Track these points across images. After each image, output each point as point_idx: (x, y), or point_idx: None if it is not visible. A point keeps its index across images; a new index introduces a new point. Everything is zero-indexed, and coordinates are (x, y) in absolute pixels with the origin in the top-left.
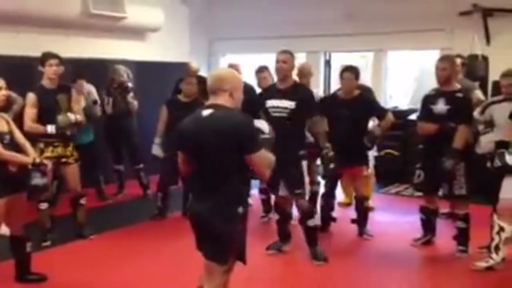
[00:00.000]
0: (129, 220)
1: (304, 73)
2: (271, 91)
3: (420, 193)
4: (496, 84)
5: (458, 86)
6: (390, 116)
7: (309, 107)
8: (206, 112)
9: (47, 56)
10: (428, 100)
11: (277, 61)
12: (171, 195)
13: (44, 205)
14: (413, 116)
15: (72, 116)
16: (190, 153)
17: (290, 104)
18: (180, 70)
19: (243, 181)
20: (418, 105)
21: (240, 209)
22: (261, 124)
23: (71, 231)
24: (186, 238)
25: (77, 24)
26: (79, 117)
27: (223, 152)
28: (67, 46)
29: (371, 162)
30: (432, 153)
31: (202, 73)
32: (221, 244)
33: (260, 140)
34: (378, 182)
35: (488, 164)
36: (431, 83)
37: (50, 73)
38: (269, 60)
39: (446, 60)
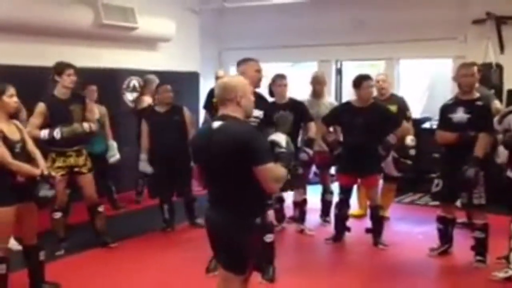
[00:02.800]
0: (142, 230)
1: (319, 81)
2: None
3: (435, 202)
4: (510, 93)
5: (477, 94)
6: (405, 126)
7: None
8: (216, 124)
9: (64, 66)
10: (447, 109)
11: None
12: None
13: (58, 215)
14: (426, 125)
15: (78, 127)
16: (202, 166)
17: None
18: (191, 79)
19: (259, 192)
20: (431, 114)
21: (258, 220)
22: (278, 137)
23: (84, 240)
24: (195, 249)
25: (89, 35)
26: (93, 125)
27: (231, 164)
28: (78, 56)
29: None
30: (452, 162)
31: (213, 82)
32: (238, 254)
33: (276, 154)
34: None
35: (508, 173)
36: (443, 91)
37: (67, 82)
38: (283, 69)
39: (472, 67)
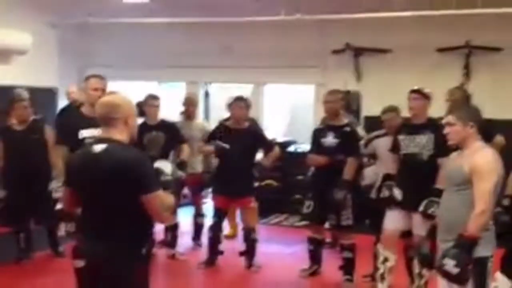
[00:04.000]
0: None
1: (192, 102)
2: None
3: (301, 223)
4: (368, 119)
5: (345, 120)
6: (276, 150)
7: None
8: (98, 148)
9: None
10: (318, 134)
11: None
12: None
13: None
14: (291, 148)
15: None
16: (81, 193)
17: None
18: (48, 95)
19: (145, 220)
20: (292, 137)
21: (143, 250)
22: (162, 164)
23: None
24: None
25: None
26: None
27: (119, 191)
28: None
29: None
30: (322, 184)
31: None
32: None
33: (162, 182)
34: (259, 212)
35: (372, 195)
36: (304, 116)
37: None
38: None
39: (334, 94)
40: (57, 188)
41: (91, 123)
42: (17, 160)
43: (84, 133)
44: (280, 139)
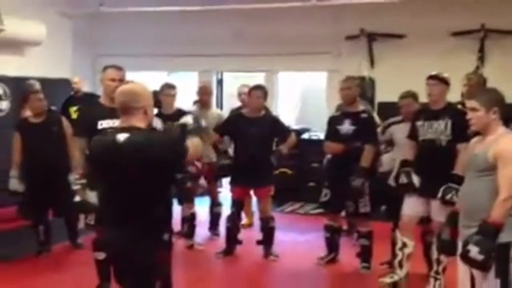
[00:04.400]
0: (12, 255)
1: (206, 91)
2: None
3: (316, 211)
4: (381, 105)
5: (361, 107)
6: (293, 137)
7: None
8: (122, 137)
9: None
10: (334, 121)
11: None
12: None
13: None
14: (305, 135)
15: None
16: (103, 182)
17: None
18: (62, 86)
19: (168, 207)
20: (303, 124)
21: (166, 236)
22: (185, 119)
23: None
24: (77, 274)
25: None
26: None
27: (147, 179)
28: None
29: None
30: (339, 172)
31: (87, 89)
32: (147, 275)
33: (187, 132)
34: (274, 201)
35: (391, 182)
36: (315, 103)
37: None
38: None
39: (350, 81)
40: (75, 180)
41: (109, 113)
42: (36, 153)
43: (103, 124)
44: (293, 126)
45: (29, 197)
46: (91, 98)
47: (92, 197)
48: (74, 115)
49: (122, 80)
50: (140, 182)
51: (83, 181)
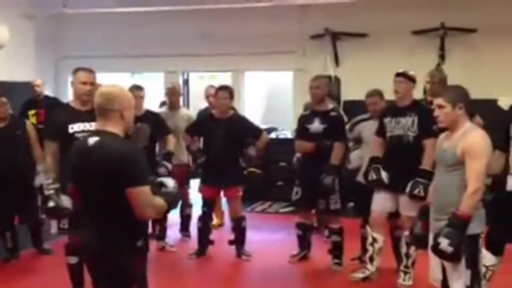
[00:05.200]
0: None
1: (175, 92)
2: None
3: (285, 210)
4: (347, 104)
5: (330, 105)
6: (265, 136)
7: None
8: (92, 141)
9: None
10: (304, 120)
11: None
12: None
13: None
14: (272, 135)
15: None
16: (77, 185)
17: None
18: (25, 90)
19: None
20: (269, 124)
21: (140, 243)
22: (167, 180)
23: None
24: (48, 278)
25: None
26: None
27: (111, 185)
28: None
29: None
30: (309, 170)
31: (50, 92)
32: (121, 281)
33: (162, 193)
34: (243, 200)
35: (360, 179)
36: (281, 102)
37: None
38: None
39: (319, 79)
40: (47, 185)
41: (80, 117)
42: (0, 158)
43: (75, 127)
44: (263, 126)
45: None
46: (52, 101)
47: (66, 201)
48: (32, 119)
49: (93, 83)
50: (108, 188)
51: (56, 185)
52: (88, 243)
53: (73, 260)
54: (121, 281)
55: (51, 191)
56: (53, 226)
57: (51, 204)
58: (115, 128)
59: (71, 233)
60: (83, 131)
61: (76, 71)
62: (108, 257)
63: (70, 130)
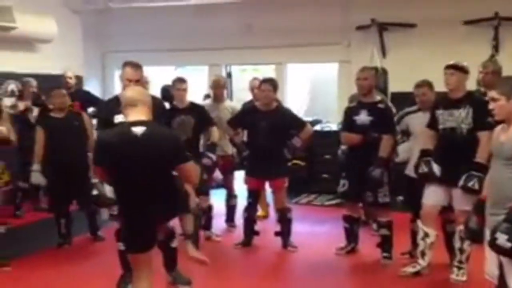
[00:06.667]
0: (34, 248)
1: (219, 85)
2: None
3: (331, 202)
4: (394, 95)
5: (378, 97)
6: (309, 128)
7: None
8: (139, 130)
9: None
10: (351, 112)
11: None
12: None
13: None
14: (317, 127)
15: (3, 129)
16: (123, 172)
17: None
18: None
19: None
20: (313, 116)
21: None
22: None
23: None
24: (99, 264)
25: None
26: (12, 136)
27: (163, 167)
28: None
29: None
30: (356, 163)
31: (97, 86)
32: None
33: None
34: (288, 193)
35: (409, 172)
36: (325, 95)
37: None
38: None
39: (367, 71)
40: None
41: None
42: (59, 148)
43: (119, 118)
44: (304, 118)
45: (52, 191)
46: (84, 95)
47: (109, 190)
48: None
49: (138, 81)
50: (159, 170)
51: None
52: (148, 211)
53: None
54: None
55: (96, 180)
56: (104, 213)
57: (95, 192)
58: (148, 116)
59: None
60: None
61: (124, 65)
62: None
63: (116, 121)
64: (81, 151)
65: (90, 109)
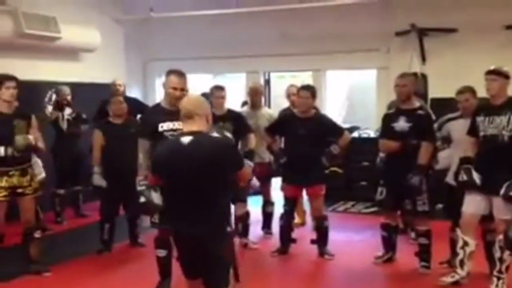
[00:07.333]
0: (75, 253)
1: (256, 92)
2: None
3: (368, 210)
4: (434, 101)
5: (417, 103)
6: (347, 135)
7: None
8: (186, 140)
9: (2, 78)
10: (389, 118)
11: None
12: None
13: None
14: (355, 134)
15: (31, 137)
16: (171, 182)
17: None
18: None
19: (229, 201)
20: (351, 123)
21: (229, 229)
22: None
23: (15, 267)
24: (139, 271)
25: (9, 44)
26: (40, 143)
27: (212, 176)
28: None
29: None
30: (394, 170)
31: (138, 94)
32: (221, 266)
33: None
34: (325, 200)
35: (449, 180)
36: (363, 101)
37: (6, 95)
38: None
39: (406, 77)
40: (139, 181)
41: (169, 116)
42: (117, 153)
43: (164, 126)
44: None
45: (106, 195)
46: (132, 102)
47: (156, 197)
48: None
49: (183, 89)
50: (212, 178)
51: (148, 182)
52: (190, 230)
53: (162, 253)
54: (220, 265)
55: (143, 187)
56: (146, 220)
57: (142, 199)
58: (203, 127)
59: (162, 228)
60: (171, 130)
61: (168, 73)
62: (207, 244)
63: (160, 129)
64: (134, 158)
65: (138, 116)
